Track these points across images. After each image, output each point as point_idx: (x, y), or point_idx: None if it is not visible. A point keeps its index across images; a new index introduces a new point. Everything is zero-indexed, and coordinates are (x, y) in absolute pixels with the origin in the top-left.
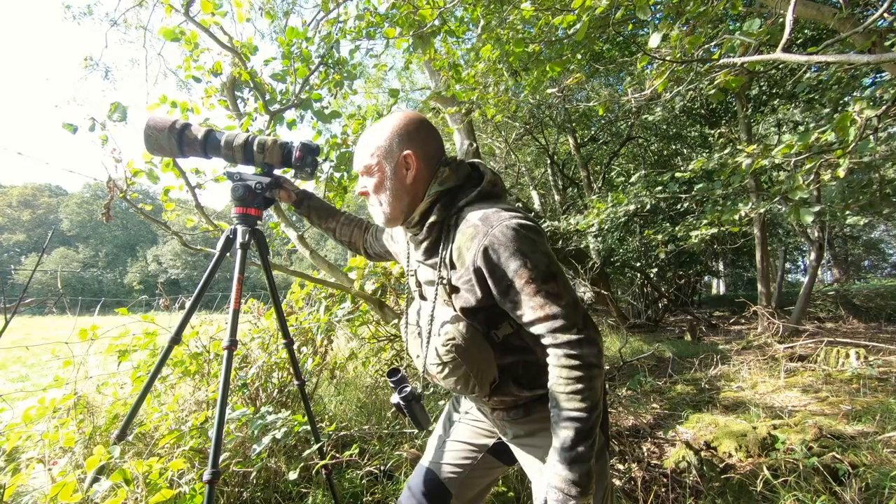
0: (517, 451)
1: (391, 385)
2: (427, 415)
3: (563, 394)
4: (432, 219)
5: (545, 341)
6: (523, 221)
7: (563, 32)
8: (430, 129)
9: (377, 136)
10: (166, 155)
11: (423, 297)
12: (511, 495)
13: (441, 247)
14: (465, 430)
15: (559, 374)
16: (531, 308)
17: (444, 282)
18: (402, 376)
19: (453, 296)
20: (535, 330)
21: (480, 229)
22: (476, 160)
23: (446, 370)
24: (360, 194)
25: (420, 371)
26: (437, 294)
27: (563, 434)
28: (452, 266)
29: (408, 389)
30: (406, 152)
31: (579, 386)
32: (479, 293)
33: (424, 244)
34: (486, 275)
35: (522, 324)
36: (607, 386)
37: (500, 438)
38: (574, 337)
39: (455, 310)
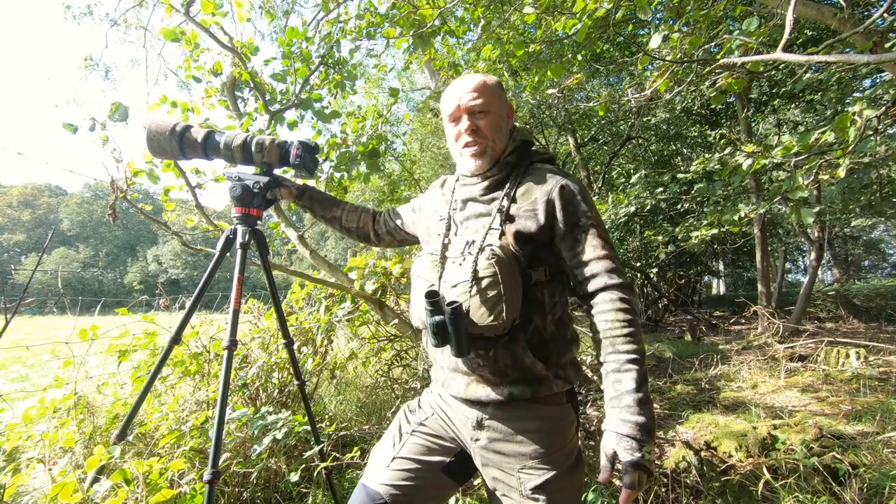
0: (486, 461)
1: (427, 309)
2: (471, 339)
3: (621, 336)
4: (510, 158)
5: (598, 282)
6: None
7: (562, 33)
8: None
9: (489, 82)
10: (168, 157)
11: (455, 235)
12: None
13: (508, 184)
14: (417, 446)
15: (615, 317)
16: (593, 247)
17: (503, 210)
18: (441, 298)
19: (507, 224)
20: (591, 268)
21: (556, 176)
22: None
23: (482, 285)
24: (467, 131)
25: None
26: (489, 224)
27: (629, 376)
28: (514, 200)
29: (455, 304)
30: (509, 105)
31: (633, 329)
32: (541, 221)
33: (491, 179)
34: (558, 207)
35: (574, 264)
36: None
37: (454, 456)
38: (625, 283)
39: (503, 236)
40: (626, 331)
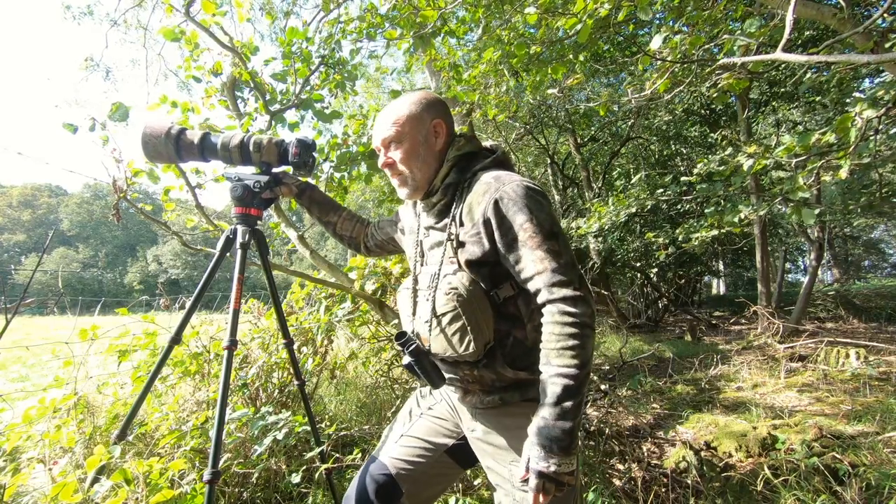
0: (482, 451)
1: (398, 348)
2: (440, 371)
3: (555, 349)
4: (448, 180)
5: (541, 297)
6: (532, 185)
7: (563, 33)
8: (447, 105)
9: (405, 107)
10: (165, 161)
11: (424, 265)
12: None
13: (453, 206)
14: (425, 426)
15: (552, 331)
16: (532, 261)
17: (453, 237)
18: (410, 337)
19: (459, 251)
20: (533, 284)
21: (493, 185)
22: (491, 141)
23: (444, 321)
24: (384, 166)
25: (410, 332)
26: (443, 253)
27: (551, 389)
28: (461, 223)
29: (412, 346)
30: (436, 120)
31: (571, 342)
32: (485, 245)
33: (437, 206)
34: (494, 226)
35: (521, 280)
36: (607, 386)
37: (460, 439)
38: (570, 293)
39: (460, 265)
40: (559, 344)
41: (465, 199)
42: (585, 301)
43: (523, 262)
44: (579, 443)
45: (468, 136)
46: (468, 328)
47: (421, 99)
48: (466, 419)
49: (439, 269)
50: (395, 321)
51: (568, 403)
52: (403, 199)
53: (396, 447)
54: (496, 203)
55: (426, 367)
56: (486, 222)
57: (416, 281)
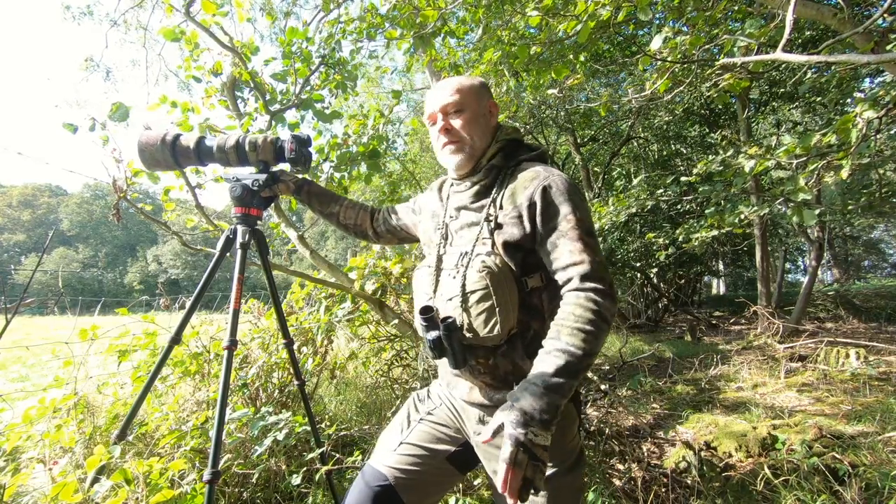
0: (488, 455)
1: (422, 324)
2: (465, 352)
3: (570, 327)
4: (494, 162)
5: (571, 285)
6: (576, 183)
7: (563, 33)
8: None
9: (469, 82)
10: (163, 168)
11: (450, 245)
12: None
13: (494, 190)
14: (424, 433)
15: (573, 311)
16: (570, 251)
17: (491, 218)
18: (436, 314)
19: (496, 233)
20: (567, 273)
21: (541, 174)
22: (530, 140)
23: (473, 298)
24: (441, 130)
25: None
26: (478, 234)
27: (550, 361)
28: (501, 206)
29: (450, 320)
30: (490, 101)
31: (589, 327)
32: (526, 227)
33: (477, 186)
34: (539, 210)
35: (553, 269)
36: (607, 386)
37: (460, 446)
38: (601, 286)
39: (493, 247)
40: (577, 325)
41: (506, 185)
42: (612, 298)
43: (560, 251)
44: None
45: (515, 127)
46: (496, 309)
47: (478, 81)
48: (472, 422)
49: (472, 249)
50: (395, 321)
51: (562, 380)
52: (454, 167)
53: (394, 455)
54: (545, 189)
55: (454, 344)
56: (531, 205)
57: (440, 260)
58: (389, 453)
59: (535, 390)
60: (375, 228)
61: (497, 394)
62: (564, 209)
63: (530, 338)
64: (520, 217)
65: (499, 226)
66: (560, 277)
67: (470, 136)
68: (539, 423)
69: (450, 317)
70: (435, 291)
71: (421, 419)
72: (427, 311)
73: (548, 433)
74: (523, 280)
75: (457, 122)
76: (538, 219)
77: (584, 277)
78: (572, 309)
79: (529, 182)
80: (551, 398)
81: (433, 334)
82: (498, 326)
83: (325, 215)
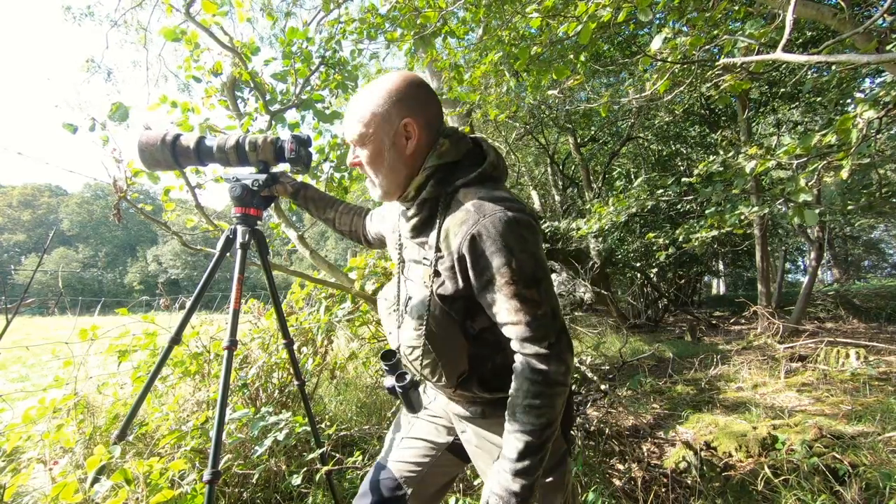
0: (472, 453)
1: (384, 368)
2: (421, 399)
3: (520, 405)
4: (424, 194)
5: (513, 347)
6: (518, 215)
7: (564, 34)
8: (430, 93)
9: (372, 100)
10: (163, 168)
11: (404, 275)
12: None
13: (430, 226)
14: (424, 427)
15: (520, 386)
16: (506, 310)
17: (428, 263)
18: (398, 360)
19: (434, 280)
20: (507, 332)
21: (472, 216)
22: (480, 136)
23: (416, 353)
24: (352, 165)
25: (393, 347)
26: (420, 275)
27: (513, 444)
28: (438, 249)
29: (407, 377)
30: (406, 120)
31: (537, 401)
32: (459, 282)
33: (414, 221)
34: (469, 265)
35: (498, 324)
36: (607, 386)
37: (458, 436)
38: (543, 351)
39: (433, 294)
40: (525, 402)
41: (442, 221)
42: (559, 358)
43: (497, 308)
44: (538, 493)
45: (454, 138)
46: (439, 363)
47: (390, 91)
48: (456, 421)
49: (413, 291)
50: None
51: (527, 462)
52: (377, 199)
53: (399, 451)
54: (473, 239)
55: (409, 396)
56: (461, 259)
57: (397, 293)
58: (395, 449)
59: (505, 478)
60: (366, 235)
61: (471, 407)
62: (496, 261)
63: (490, 370)
64: (453, 269)
65: (437, 273)
66: (505, 333)
67: (375, 174)
68: (521, 500)
69: (405, 375)
70: (398, 328)
71: (420, 415)
72: (389, 357)
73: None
74: (467, 324)
75: (362, 156)
76: (470, 273)
77: (522, 341)
78: (519, 384)
79: (458, 227)
80: (521, 482)
81: (389, 381)
82: (444, 378)
83: (323, 220)
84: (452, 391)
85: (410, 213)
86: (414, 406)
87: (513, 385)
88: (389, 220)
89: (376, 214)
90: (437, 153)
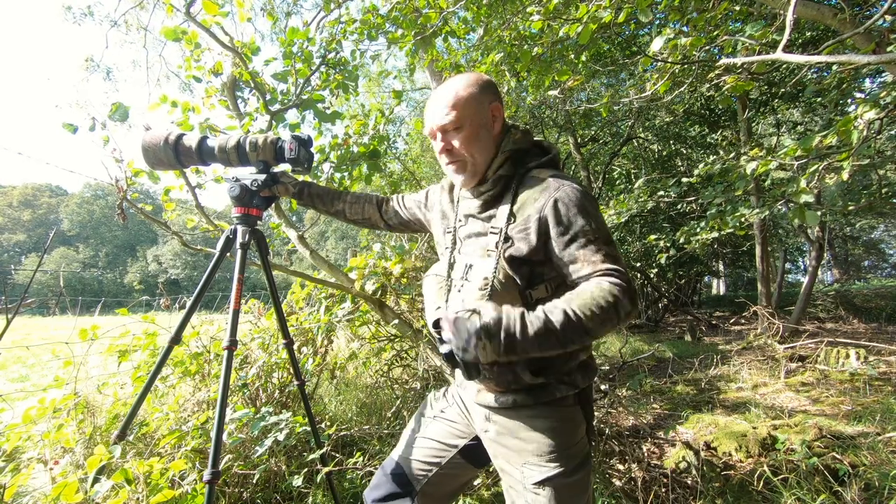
0: (495, 452)
1: (436, 337)
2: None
3: (582, 300)
4: (501, 172)
5: (595, 277)
6: (587, 191)
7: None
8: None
9: (462, 88)
10: (166, 168)
11: (457, 252)
12: None
13: (503, 200)
14: (438, 428)
15: (589, 288)
16: (591, 262)
17: (498, 231)
18: None
19: (503, 245)
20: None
21: (552, 184)
22: (541, 139)
23: None
24: (441, 151)
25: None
26: (484, 245)
27: (551, 314)
28: (511, 217)
29: None
30: (494, 104)
31: (598, 310)
32: (533, 241)
33: (485, 196)
34: (551, 225)
35: (575, 279)
36: (607, 386)
37: (473, 440)
38: (624, 285)
39: (499, 259)
40: (589, 300)
41: (516, 194)
42: (632, 298)
43: (580, 263)
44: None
45: (524, 130)
46: None
47: (478, 80)
48: (479, 421)
49: (477, 261)
50: (395, 321)
51: (550, 335)
52: (459, 184)
53: (412, 448)
54: (555, 203)
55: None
56: (541, 220)
57: (450, 268)
58: (407, 447)
59: (506, 309)
60: (387, 221)
61: (502, 397)
62: (579, 221)
63: None
64: (526, 231)
65: (507, 238)
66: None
67: (471, 154)
68: (494, 345)
69: None
70: (446, 302)
71: (435, 416)
72: (438, 325)
73: (496, 355)
74: (528, 293)
75: (456, 141)
76: (552, 232)
77: (608, 273)
78: (592, 288)
79: (539, 194)
80: (519, 328)
81: (445, 348)
82: None
83: (332, 214)
84: (492, 369)
85: (483, 188)
86: (469, 371)
87: (579, 287)
88: (438, 205)
89: (412, 200)
90: (512, 139)
